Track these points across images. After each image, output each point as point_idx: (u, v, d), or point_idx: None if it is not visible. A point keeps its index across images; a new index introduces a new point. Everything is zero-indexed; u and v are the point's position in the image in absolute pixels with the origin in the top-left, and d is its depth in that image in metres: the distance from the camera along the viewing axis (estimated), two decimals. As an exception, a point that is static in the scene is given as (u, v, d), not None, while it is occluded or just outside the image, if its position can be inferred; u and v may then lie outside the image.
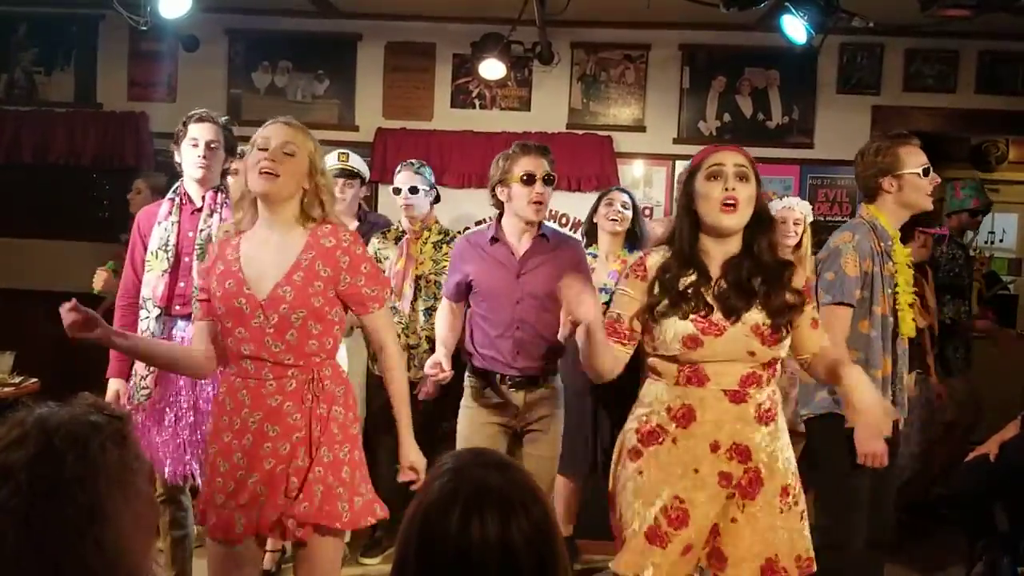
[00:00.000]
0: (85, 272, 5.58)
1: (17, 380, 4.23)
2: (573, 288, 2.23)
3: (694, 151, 5.70)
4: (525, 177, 3.15)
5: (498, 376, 3.22)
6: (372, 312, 2.50)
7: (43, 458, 1.16)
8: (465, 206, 5.38)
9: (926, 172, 3.03)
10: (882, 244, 3.02)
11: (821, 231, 5.46)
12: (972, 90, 5.50)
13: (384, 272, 4.08)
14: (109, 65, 5.72)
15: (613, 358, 2.40)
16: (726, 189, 2.34)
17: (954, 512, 3.96)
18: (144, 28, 4.32)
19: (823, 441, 3.11)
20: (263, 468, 2.38)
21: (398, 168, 4.19)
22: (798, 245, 4.18)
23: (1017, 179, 7.13)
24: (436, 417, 4.14)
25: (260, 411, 2.38)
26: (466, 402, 3.31)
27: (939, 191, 3.60)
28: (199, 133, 3.26)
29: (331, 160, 4.11)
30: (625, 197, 4.02)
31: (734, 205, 2.34)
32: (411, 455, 2.60)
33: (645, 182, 5.59)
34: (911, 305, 3.10)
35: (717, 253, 2.41)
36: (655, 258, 2.45)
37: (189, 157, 3.27)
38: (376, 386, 4.11)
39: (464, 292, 3.31)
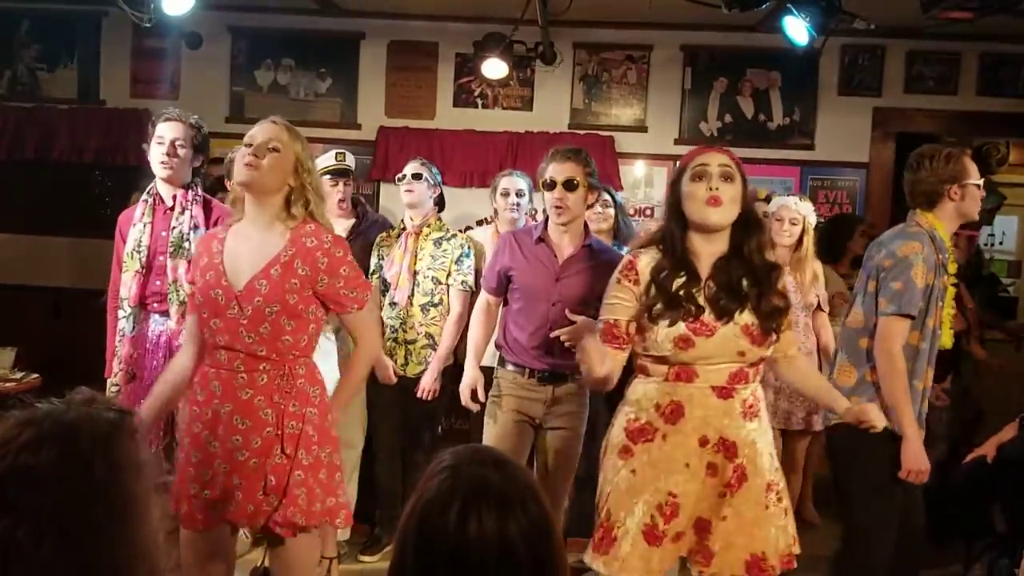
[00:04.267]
0: (87, 269, 5.63)
1: (18, 376, 4.24)
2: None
3: (695, 152, 5.68)
4: (547, 183, 3.22)
5: (527, 370, 3.24)
6: (351, 312, 2.53)
7: (70, 461, 1.15)
8: (466, 205, 5.39)
9: (979, 184, 3.05)
10: (940, 256, 2.98)
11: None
12: (973, 92, 5.50)
13: (377, 272, 4.11)
14: (112, 62, 5.73)
15: (613, 364, 2.44)
16: (710, 189, 2.39)
17: (952, 513, 3.97)
18: (147, 25, 4.31)
19: (857, 451, 3.02)
20: (235, 460, 2.41)
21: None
22: (798, 245, 4.15)
23: (1018, 181, 7.13)
24: (439, 414, 4.16)
25: (230, 402, 2.42)
26: (495, 392, 3.34)
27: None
28: (165, 131, 3.35)
29: (329, 159, 4.13)
30: (605, 196, 4.06)
31: (717, 202, 2.38)
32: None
33: (646, 182, 5.60)
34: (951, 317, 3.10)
35: (705, 253, 2.45)
36: (645, 260, 2.48)
37: (155, 155, 3.35)
38: (378, 384, 4.13)
39: (505, 285, 3.35)
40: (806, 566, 4.16)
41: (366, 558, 4.12)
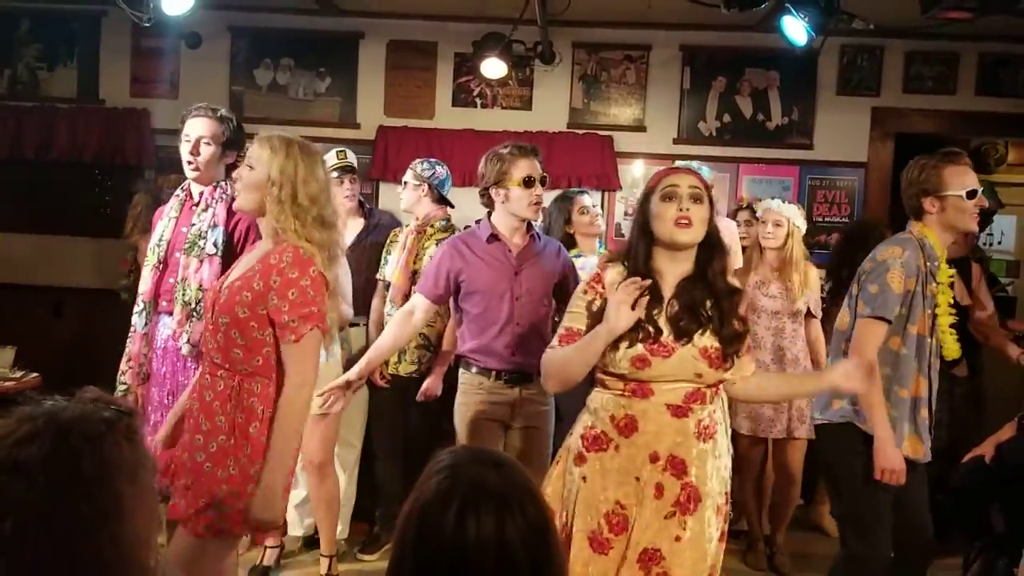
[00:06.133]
0: (87, 268, 5.63)
1: (18, 375, 4.24)
2: None
3: (694, 151, 5.72)
4: (526, 180, 3.19)
5: (493, 372, 3.24)
6: (287, 343, 2.34)
7: (59, 456, 1.15)
8: (465, 204, 5.36)
9: (971, 195, 2.93)
10: (928, 264, 2.96)
11: (819, 232, 5.50)
12: (972, 92, 5.51)
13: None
14: (111, 61, 5.72)
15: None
16: (680, 209, 2.39)
17: (951, 513, 3.97)
18: (147, 24, 4.32)
19: (839, 452, 3.06)
20: (194, 460, 2.39)
21: None
22: (782, 248, 4.12)
23: (1016, 181, 7.13)
24: (438, 416, 4.16)
25: (198, 401, 2.44)
26: (461, 398, 3.32)
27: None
28: (191, 129, 3.26)
29: (331, 159, 4.13)
30: (593, 201, 4.12)
31: (688, 222, 2.39)
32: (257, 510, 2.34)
33: (645, 182, 5.58)
34: (953, 326, 3.04)
35: (670, 274, 2.45)
36: (611, 274, 2.48)
37: (183, 153, 3.27)
38: (376, 385, 4.13)
39: (450, 294, 3.28)
40: (817, 566, 4.17)
41: (365, 557, 4.12)
